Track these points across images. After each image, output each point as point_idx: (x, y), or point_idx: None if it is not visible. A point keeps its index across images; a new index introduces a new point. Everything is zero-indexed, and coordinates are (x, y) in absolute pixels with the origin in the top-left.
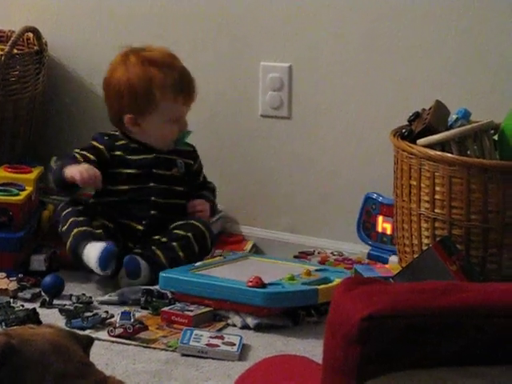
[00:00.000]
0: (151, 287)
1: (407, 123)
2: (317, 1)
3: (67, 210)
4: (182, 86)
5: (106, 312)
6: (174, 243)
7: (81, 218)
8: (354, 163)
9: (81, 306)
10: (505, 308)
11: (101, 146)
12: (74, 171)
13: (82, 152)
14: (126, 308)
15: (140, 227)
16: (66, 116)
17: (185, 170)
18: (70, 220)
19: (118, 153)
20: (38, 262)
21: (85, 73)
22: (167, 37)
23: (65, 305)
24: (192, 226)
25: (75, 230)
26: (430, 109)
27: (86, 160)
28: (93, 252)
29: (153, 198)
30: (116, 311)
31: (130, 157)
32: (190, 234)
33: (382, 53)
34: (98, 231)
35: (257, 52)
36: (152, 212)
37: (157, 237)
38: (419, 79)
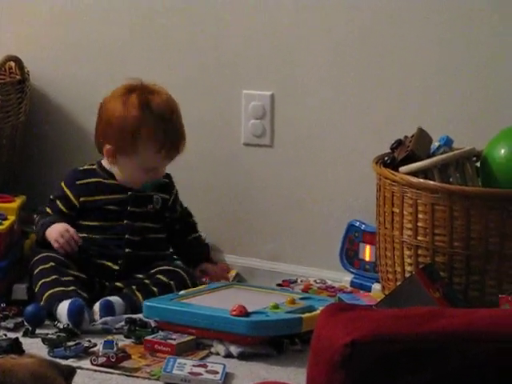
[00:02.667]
0: (134, 316)
1: (390, 151)
2: (299, 30)
3: (37, 271)
4: (171, 141)
5: (89, 341)
6: (155, 289)
7: (51, 278)
8: (336, 191)
9: (63, 335)
10: (488, 334)
11: (70, 194)
12: (51, 238)
13: (56, 202)
14: (109, 337)
15: (116, 267)
16: (48, 145)
17: (161, 204)
18: (41, 282)
19: (90, 198)
20: (20, 290)
21: (66, 102)
22: (149, 66)
23: (47, 334)
24: (175, 274)
25: (46, 294)
26: (412, 136)
27: (58, 212)
28: (63, 311)
29: (127, 236)
30: (99, 340)
31: (103, 196)
32: (172, 283)
33: (364, 81)
34: (70, 288)
35: (239, 80)
36: (127, 250)
37: (140, 276)
38: (401, 107)
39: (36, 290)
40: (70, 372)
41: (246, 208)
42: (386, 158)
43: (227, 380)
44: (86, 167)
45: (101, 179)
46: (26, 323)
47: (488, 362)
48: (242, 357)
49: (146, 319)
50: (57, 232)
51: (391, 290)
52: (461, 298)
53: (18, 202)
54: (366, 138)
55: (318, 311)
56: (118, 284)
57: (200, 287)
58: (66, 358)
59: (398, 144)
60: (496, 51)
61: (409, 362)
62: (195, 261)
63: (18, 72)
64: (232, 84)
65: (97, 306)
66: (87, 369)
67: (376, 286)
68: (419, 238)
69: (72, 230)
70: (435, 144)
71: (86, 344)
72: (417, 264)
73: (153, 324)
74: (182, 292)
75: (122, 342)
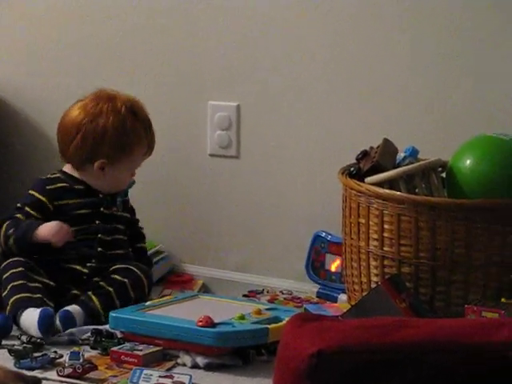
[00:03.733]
0: (100, 327)
1: (355, 161)
2: (265, 40)
3: (7, 275)
4: (152, 139)
5: (55, 352)
6: (111, 289)
7: (19, 282)
8: (302, 202)
9: (30, 346)
10: (453, 343)
11: (43, 198)
12: (46, 235)
13: (25, 209)
14: (76, 348)
15: (85, 270)
16: (15, 156)
17: (122, 206)
18: (10, 286)
19: (62, 202)
20: None
21: (34, 113)
22: (114, 76)
23: (14, 345)
24: (130, 272)
25: (12, 299)
26: (377, 147)
27: (30, 218)
28: (30, 318)
29: (99, 236)
30: (65, 351)
31: (75, 200)
32: (126, 281)
33: (330, 92)
34: (36, 296)
35: (205, 91)
36: (99, 249)
37: (95, 279)
38: (367, 118)
39: (4, 294)
40: (35, 383)
41: (212, 219)
42: (351, 169)
43: None
44: (50, 176)
45: (68, 184)
46: None
47: (453, 370)
48: (208, 367)
49: (112, 330)
50: (53, 227)
51: (357, 300)
52: (427, 309)
53: None
54: (331, 149)
55: (285, 322)
56: (75, 292)
57: (165, 298)
58: (32, 369)
59: (364, 155)
60: (462, 62)
61: (375, 373)
62: None
63: None
64: (198, 95)
65: (56, 318)
66: (53, 380)
67: (342, 297)
68: (385, 248)
69: (64, 224)
70: (401, 155)
71: (52, 355)
72: (383, 274)
73: (119, 335)
74: (147, 303)
75: (88, 353)
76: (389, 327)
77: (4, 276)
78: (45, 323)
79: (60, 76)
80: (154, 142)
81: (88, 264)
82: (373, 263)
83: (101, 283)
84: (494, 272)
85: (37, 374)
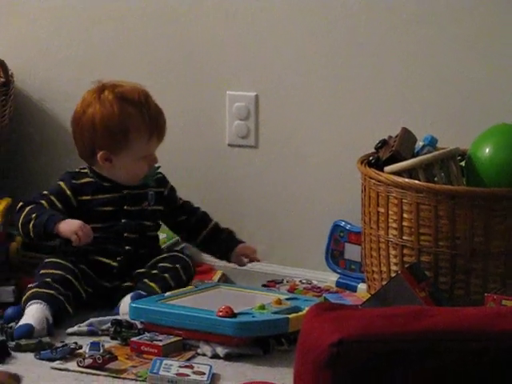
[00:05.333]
0: (120, 317)
1: (374, 151)
2: (282, 30)
3: (46, 271)
4: (156, 124)
5: (75, 343)
6: (166, 274)
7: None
8: (321, 191)
9: (45, 340)
10: (474, 332)
11: (68, 192)
12: (67, 232)
13: (51, 197)
14: (95, 339)
15: (115, 263)
16: (31, 147)
17: (155, 200)
18: (42, 281)
19: (85, 197)
20: (6, 293)
21: (51, 104)
22: (133, 67)
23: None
24: (178, 258)
25: (33, 290)
26: (396, 136)
27: (54, 208)
28: (29, 312)
29: (126, 234)
30: (85, 342)
31: (99, 196)
32: (178, 266)
33: (348, 81)
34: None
35: (223, 81)
36: (126, 248)
37: (142, 270)
38: (386, 107)
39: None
40: None
41: (230, 209)
42: (370, 158)
43: (214, 381)
44: (77, 170)
45: (94, 180)
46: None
47: (474, 360)
48: (228, 357)
49: (131, 321)
50: (75, 226)
51: (377, 289)
52: (446, 297)
53: (3, 204)
54: (350, 138)
55: (305, 311)
56: (125, 284)
57: (186, 288)
58: (53, 360)
59: (383, 144)
60: (481, 50)
61: (395, 361)
62: (228, 247)
63: (2, 74)
64: (216, 85)
65: (128, 298)
66: (74, 371)
67: (362, 286)
68: (404, 237)
69: (87, 225)
70: (419, 144)
71: (73, 346)
72: (402, 263)
73: (139, 325)
74: (167, 293)
75: (108, 343)
76: (410, 316)
77: (42, 271)
78: (19, 334)
79: (78, 66)
80: (160, 126)
81: (118, 258)
82: (392, 252)
83: (153, 271)
84: None
85: (57, 365)
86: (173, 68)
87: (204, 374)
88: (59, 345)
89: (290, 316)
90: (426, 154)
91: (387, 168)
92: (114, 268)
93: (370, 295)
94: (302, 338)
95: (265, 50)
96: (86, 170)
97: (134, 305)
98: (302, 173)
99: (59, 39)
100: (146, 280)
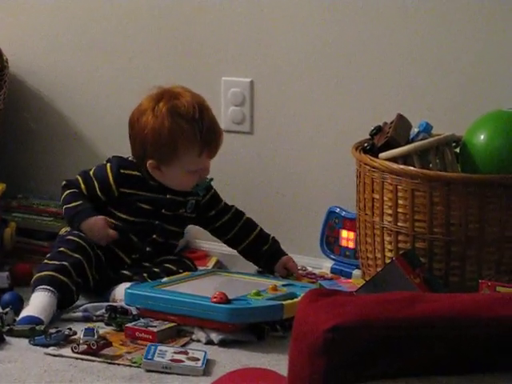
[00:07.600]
0: (115, 303)
1: (369, 137)
2: (278, 15)
3: (62, 249)
4: (209, 140)
5: (70, 329)
6: (165, 276)
7: (64, 264)
8: (316, 177)
9: (36, 327)
10: (470, 318)
11: (111, 181)
12: (87, 231)
13: (93, 183)
14: (90, 324)
15: (128, 261)
16: (26, 132)
17: (193, 208)
18: (56, 262)
19: (128, 191)
20: (0, 279)
21: (46, 89)
22: (127, 53)
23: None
24: (183, 264)
25: (43, 273)
26: (391, 122)
27: (92, 193)
28: (34, 300)
29: (154, 236)
30: (79, 328)
31: (142, 193)
32: (181, 271)
33: (343, 67)
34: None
35: (218, 67)
36: (148, 249)
37: (146, 264)
38: (381, 93)
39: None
40: None
41: (225, 194)
42: (365, 145)
43: (208, 367)
44: (129, 158)
45: (141, 175)
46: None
47: (469, 345)
48: (223, 344)
49: (126, 306)
50: (96, 228)
51: (372, 276)
52: (441, 284)
53: None
54: (345, 125)
55: (300, 298)
56: (125, 272)
57: (182, 274)
58: (47, 345)
59: (378, 130)
60: (475, 37)
61: (390, 347)
62: (272, 258)
63: None
64: (211, 71)
65: (122, 288)
66: (68, 356)
67: (356, 273)
68: (399, 223)
69: (112, 231)
70: (414, 130)
71: (67, 332)
72: (397, 250)
73: (134, 311)
74: (163, 279)
75: (103, 329)
76: (405, 301)
77: (60, 249)
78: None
79: (73, 52)
80: (213, 143)
81: (133, 256)
82: (387, 238)
83: (155, 269)
84: (507, 247)
85: (51, 351)
86: (168, 54)
87: (199, 360)
88: (53, 331)
89: (284, 302)
90: (421, 140)
91: (382, 154)
92: (126, 264)
93: (364, 281)
94: (297, 324)
95: (260, 36)
96: (136, 161)
97: (129, 290)
98: (296, 159)
99: (55, 24)
100: (145, 275)
